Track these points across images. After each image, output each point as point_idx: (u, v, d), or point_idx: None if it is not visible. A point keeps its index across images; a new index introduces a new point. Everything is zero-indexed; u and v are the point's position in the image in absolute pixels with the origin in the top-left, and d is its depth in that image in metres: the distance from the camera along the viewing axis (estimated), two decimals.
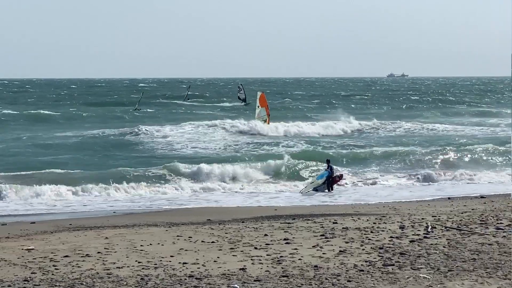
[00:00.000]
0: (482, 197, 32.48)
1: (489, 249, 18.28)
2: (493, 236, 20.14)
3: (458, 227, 21.72)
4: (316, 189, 36.74)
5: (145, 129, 65.98)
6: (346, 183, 38.96)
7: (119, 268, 16.61)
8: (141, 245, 19.60)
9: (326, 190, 36.71)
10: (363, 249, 18.44)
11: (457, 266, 16.41)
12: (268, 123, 71.44)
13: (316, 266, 16.51)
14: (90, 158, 48.27)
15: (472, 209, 26.62)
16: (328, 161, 38.31)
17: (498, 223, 22.26)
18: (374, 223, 22.90)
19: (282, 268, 16.40)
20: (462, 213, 25.32)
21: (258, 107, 73.57)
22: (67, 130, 67.77)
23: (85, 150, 52.76)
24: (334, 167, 38.66)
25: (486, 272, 15.84)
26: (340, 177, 38.10)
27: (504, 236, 20.04)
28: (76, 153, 50.76)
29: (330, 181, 37.06)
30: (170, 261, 17.28)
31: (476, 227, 21.62)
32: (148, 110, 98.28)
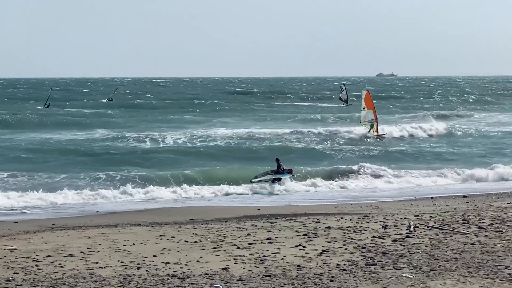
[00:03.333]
0: (464, 196, 32.60)
1: (471, 249, 18.35)
2: (475, 235, 20.21)
3: (440, 226, 21.78)
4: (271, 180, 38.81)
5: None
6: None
7: (102, 268, 16.57)
8: (124, 245, 19.56)
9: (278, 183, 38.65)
10: (346, 249, 18.47)
11: (439, 266, 16.46)
12: (377, 131, 63.24)
13: (298, 265, 16.53)
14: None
15: (455, 209, 26.71)
16: (277, 160, 39.86)
17: (480, 223, 22.34)
18: (357, 222, 22.94)
19: (265, 267, 16.40)
20: (444, 212, 25.40)
21: (364, 108, 64.03)
22: None
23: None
24: None
25: (468, 272, 15.89)
26: (290, 171, 39.80)
27: (486, 236, 20.12)
28: None
29: (276, 178, 39.12)
30: (153, 261, 17.25)
31: (459, 227, 21.68)
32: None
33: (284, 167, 39.75)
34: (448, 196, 33.51)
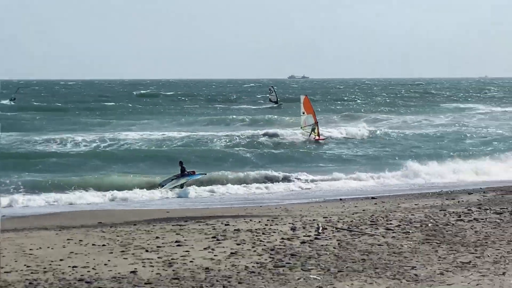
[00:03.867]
0: (373, 198, 32.98)
1: (379, 250, 18.59)
2: (382, 236, 20.49)
3: (348, 228, 21.99)
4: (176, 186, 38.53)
5: None
6: None
7: (7, 272, 16.21)
8: (30, 249, 19.18)
9: (179, 188, 38.32)
10: (255, 251, 18.49)
11: (347, 267, 16.62)
12: (319, 135, 63.06)
13: (207, 268, 16.48)
14: None
15: (363, 210, 27.01)
16: (181, 163, 39.82)
17: (387, 224, 22.64)
18: (266, 224, 22.99)
19: (174, 270, 16.30)
20: (353, 214, 25.66)
21: (304, 113, 64.01)
22: None
23: None
24: None
25: (375, 273, 16.09)
26: (193, 172, 39.76)
27: (394, 237, 20.41)
28: None
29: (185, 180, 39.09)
30: (59, 265, 16.97)
31: (367, 228, 21.94)
32: None
33: (188, 170, 39.60)
34: (356, 197, 33.87)
